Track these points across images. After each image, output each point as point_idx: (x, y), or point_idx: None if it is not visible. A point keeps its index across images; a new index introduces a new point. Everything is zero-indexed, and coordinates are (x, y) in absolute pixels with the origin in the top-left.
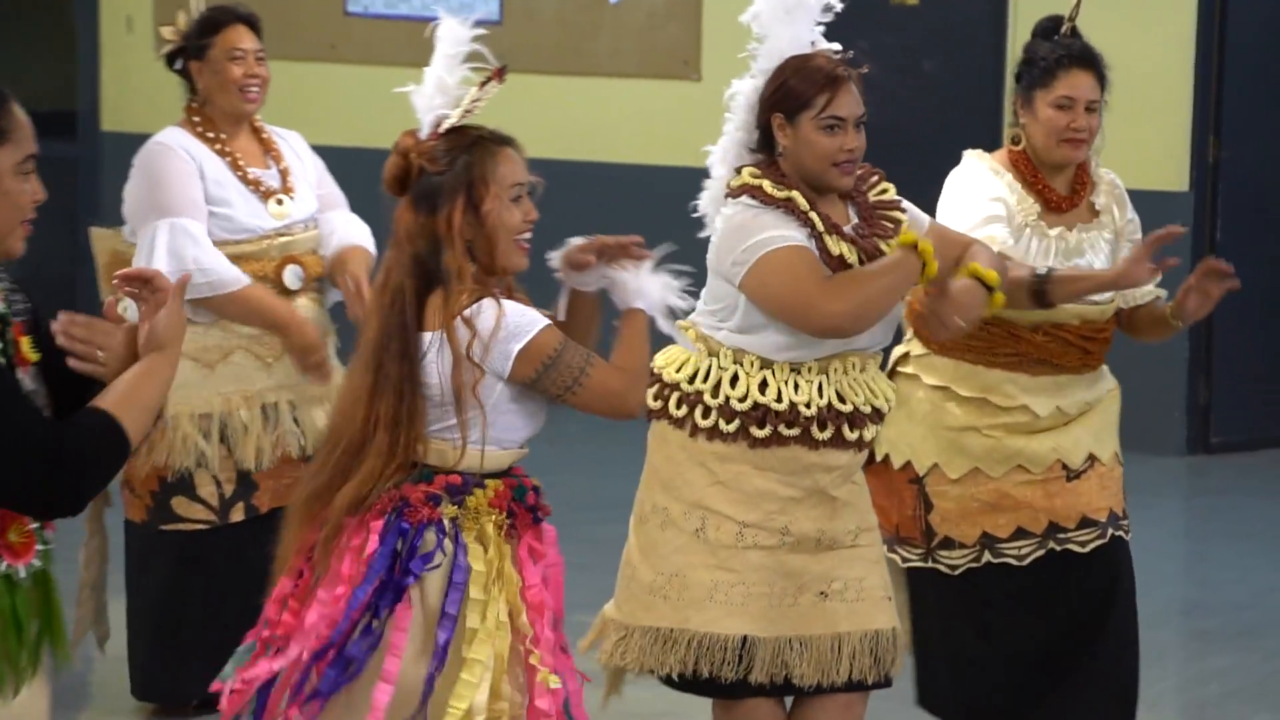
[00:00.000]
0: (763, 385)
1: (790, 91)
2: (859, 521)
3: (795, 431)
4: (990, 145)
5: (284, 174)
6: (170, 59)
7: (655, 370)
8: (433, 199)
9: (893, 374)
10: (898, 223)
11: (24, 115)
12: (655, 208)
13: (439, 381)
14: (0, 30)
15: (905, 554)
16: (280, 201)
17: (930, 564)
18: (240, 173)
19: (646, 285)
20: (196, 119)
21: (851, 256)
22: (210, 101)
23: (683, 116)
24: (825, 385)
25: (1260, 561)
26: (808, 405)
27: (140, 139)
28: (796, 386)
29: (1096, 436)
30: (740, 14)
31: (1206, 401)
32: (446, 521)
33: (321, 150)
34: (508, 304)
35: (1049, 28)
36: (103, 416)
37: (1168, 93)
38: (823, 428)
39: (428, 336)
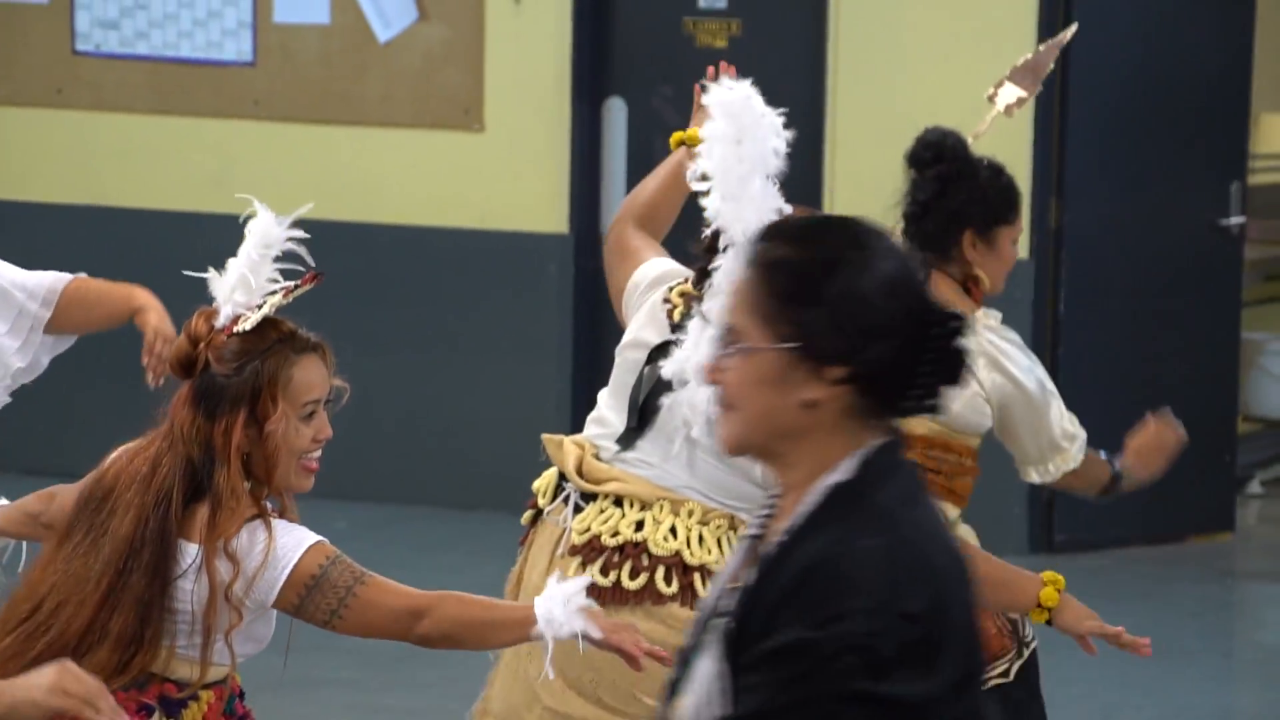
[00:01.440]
0: None
1: None
2: None
3: None
4: (806, 193)
5: None
6: None
7: (660, 552)
8: (214, 402)
9: None
10: None
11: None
12: (433, 273)
13: (190, 609)
14: None
15: (1002, 670)
16: None
17: (1026, 654)
18: None
19: (557, 613)
20: None
21: None
22: None
23: (463, 171)
24: None
25: (1108, 674)
26: None
27: None
28: None
29: None
30: (529, 56)
31: (1049, 496)
32: None
33: (48, 209)
34: (277, 527)
35: (955, 150)
36: None
37: (1004, 148)
38: None
39: (189, 549)
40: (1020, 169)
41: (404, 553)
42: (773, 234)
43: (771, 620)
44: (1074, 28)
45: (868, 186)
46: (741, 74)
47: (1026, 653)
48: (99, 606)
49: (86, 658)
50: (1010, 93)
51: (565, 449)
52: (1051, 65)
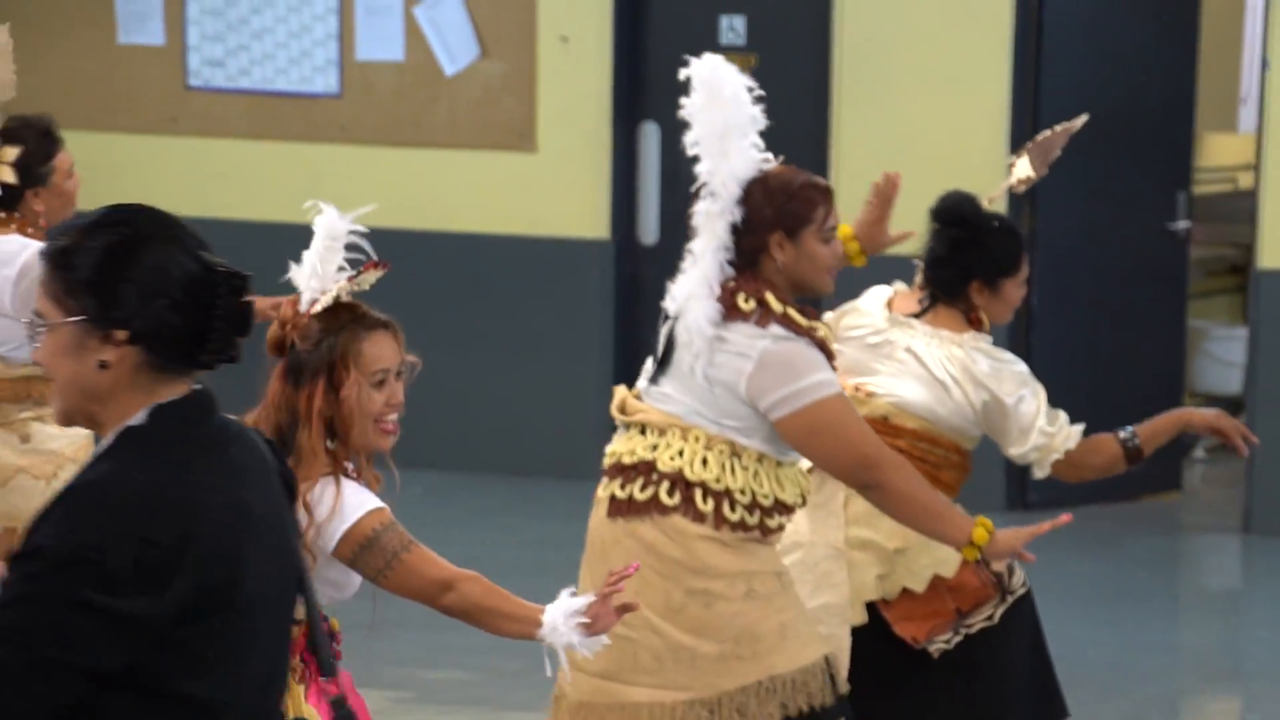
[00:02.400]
0: (779, 482)
1: (793, 213)
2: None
3: (787, 518)
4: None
5: None
6: (14, 187)
7: (666, 469)
8: (298, 375)
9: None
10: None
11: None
12: (492, 274)
13: None
14: None
15: (986, 615)
16: None
17: (1010, 600)
18: None
19: (560, 625)
20: (29, 230)
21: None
22: (48, 216)
23: (519, 187)
24: (803, 479)
25: (1074, 616)
26: (798, 497)
27: None
28: (797, 481)
29: None
30: (575, 87)
31: None
32: None
33: None
34: (345, 486)
35: (987, 222)
36: None
37: (984, 166)
38: (794, 513)
39: None
40: (996, 180)
41: (467, 514)
42: (62, 228)
43: (29, 533)
44: (1084, 117)
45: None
46: (758, 101)
47: (1011, 598)
48: None
49: None
50: (1023, 168)
51: (616, 393)
52: (1059, 151)
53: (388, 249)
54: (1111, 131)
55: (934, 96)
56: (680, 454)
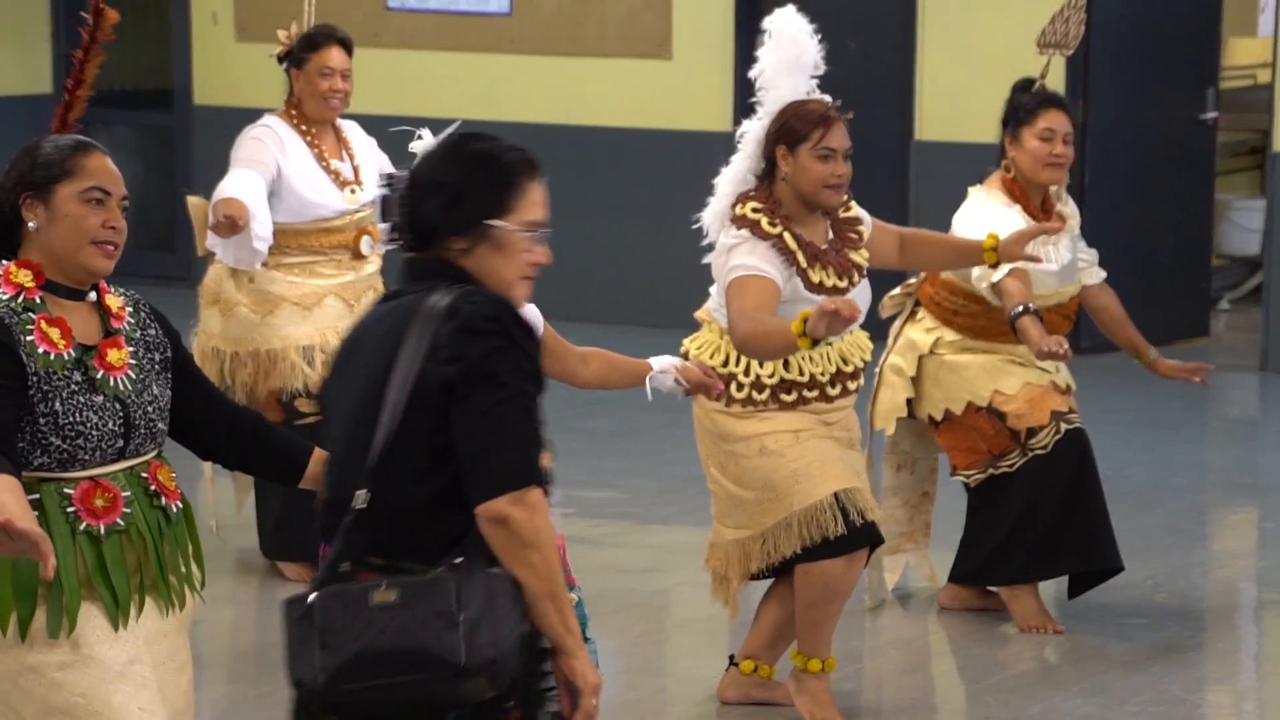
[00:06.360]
0: (785, 363)
1: (791, 128)
2: (857, 438)
3: (815, 393)
4: (899, 106)
5: (356, 169)
6: (280, 59)
7: (690, 356)
8: None
9: (925, 356)
10: (861, 234)
11: (99, 160)
12: (633, 161)
13: None
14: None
15: (1009, 463)
16: (354, 191)
17: (1030, 456)
18: (324, 163)
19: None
20: (293, 112)
21: (830, 280)
22: (302, 103)
23: (657, 89)
24: (833, 355)
25: (1118, 442)
26: (823, 374)
27: (224, 111)
28: (813, 360)
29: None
30: (704, 6)
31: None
32: None
33: (367, 117)
34: None
35: (1024, 85)
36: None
37: (1051, 67)
38: (833, 386)
39: None
40: (1057, 80)
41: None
42: None
43: None
44: None
45: (946, 96)
46: (850, 16)
47: (1030, 455)
48: None
49: None
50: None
51: None
52: (1076, 27)
53: (550, 140)
54: (1150, 37)
55: (1002, 11)
56: (703, 345)
